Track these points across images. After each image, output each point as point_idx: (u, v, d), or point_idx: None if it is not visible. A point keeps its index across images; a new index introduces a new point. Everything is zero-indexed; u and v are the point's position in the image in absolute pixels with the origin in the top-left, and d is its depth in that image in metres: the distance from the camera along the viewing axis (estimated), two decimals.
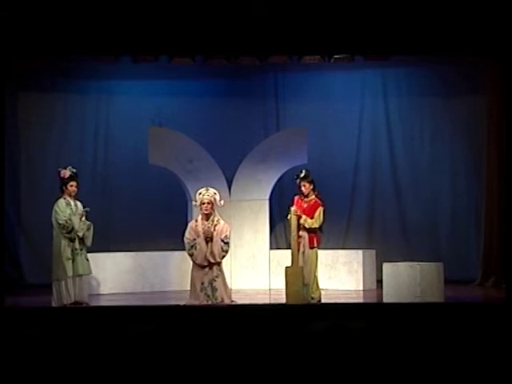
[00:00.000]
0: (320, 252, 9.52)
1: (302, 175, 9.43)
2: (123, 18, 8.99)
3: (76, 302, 9.18)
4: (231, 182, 11.84)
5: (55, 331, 5.60)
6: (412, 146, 12.70)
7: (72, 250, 9.19)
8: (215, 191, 9.27)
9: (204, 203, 9.10)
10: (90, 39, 9.18)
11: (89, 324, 6.95)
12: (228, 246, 9.12)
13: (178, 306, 8.99)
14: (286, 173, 12.00)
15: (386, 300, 9.29)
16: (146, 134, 11.58)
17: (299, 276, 9.16)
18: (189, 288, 9.60)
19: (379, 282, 10.20)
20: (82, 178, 10.81)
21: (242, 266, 11.64)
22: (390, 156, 12.77)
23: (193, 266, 9.21)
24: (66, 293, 9.11)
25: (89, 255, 9.52)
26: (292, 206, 9.40)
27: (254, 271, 11.78)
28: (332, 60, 11.24)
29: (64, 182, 9.34)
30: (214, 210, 9.17)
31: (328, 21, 9.12)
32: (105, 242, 11.16)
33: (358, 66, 11.85)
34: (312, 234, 9.33)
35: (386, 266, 9.49)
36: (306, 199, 9.40)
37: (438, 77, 12.21)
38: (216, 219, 9.16)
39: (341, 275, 11.26)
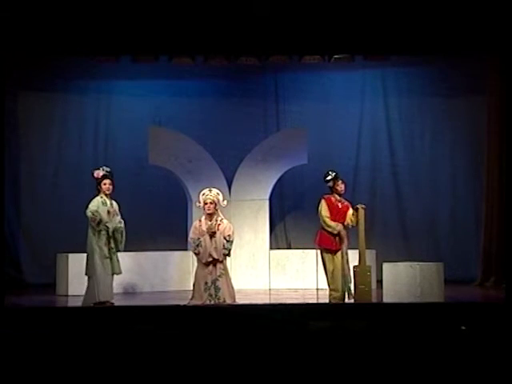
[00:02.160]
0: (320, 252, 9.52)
1: (336, 175, 9.41)
2: (123, 17, 8.99)
3: (106, 302, 9.20)
4: (231, 182, 11.84)
5: (55, 331, 5.60)
6: (412, 146, 12.71)
7: (109, 250, 9.21)
8: (218, 191, 9.26)
9: (207, 203, 9.10)
10: (89, 39, 9.18)
11: (89, 324, 6.95)
12: (230, 245, 9.07)
13: (178, 306, 8.97)
14: (285, 173, 12.01)
15: (385, 300, 9.28)
16: (146, 133, 11.59)
17: (367, 275, 9.23)
18: (189, 288, 9.56)
19: (379, 281, 10.19)
20: (81, 177, 10.82)
21: (242, 266, 11.63)
22: (390, 156, 12.78)
23: (197, 266, 9.18)
24: (104, 289, 9.10)
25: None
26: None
27: (254, 271, 11.78)
28: (332, 60, 11.25)
29: (98, 181, 9.37)
30: (217, 210, 9.16)
31: (328, 21, 9.12)
32: None
33: (358, 65, 11.86)
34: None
35: (386, 266, 9.47)
36: (339, 199, 9.42)
37: (438, 76, 12.20)
38: (219, 219, 9.14)
39: None
